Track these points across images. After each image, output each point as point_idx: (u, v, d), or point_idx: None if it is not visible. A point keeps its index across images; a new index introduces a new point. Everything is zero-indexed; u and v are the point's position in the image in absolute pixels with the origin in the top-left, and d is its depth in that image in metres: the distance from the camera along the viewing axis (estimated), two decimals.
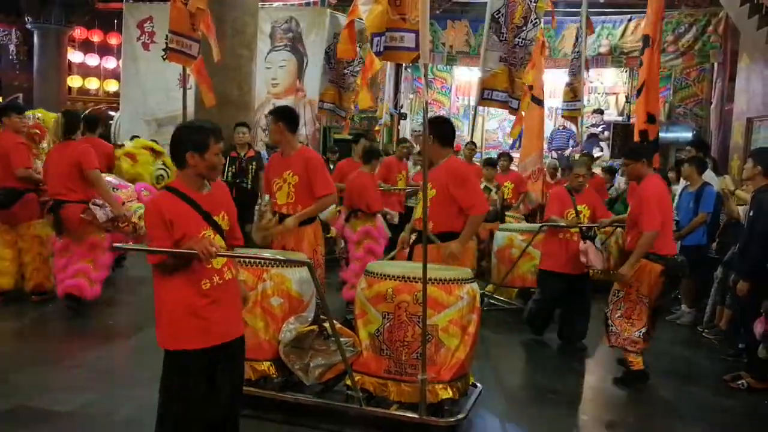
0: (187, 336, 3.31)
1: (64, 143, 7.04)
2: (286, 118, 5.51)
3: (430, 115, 5.08)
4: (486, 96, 7.51)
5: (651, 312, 5.68)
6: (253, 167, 8.99)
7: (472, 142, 11.97)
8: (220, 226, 3.41)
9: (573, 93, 9.53)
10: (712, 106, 13.77)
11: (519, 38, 7.41)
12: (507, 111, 9.68)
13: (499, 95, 7.56)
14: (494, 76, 7.41)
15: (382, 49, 4.27)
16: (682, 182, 8.38)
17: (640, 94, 7.16)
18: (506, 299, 8.58)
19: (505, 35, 7.24)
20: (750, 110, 10.82)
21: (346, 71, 9.38)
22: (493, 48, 7.37)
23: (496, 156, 10.46)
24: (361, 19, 4.20)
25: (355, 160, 9.24)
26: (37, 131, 8.04)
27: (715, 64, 13.83)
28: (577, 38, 10.04)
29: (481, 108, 14.07)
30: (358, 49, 7.48)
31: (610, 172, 11.48)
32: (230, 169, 8.82)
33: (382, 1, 4.12)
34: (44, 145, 8.07)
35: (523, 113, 8.20)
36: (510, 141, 15.41)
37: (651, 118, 6.96)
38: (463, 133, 16.95)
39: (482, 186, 8.58)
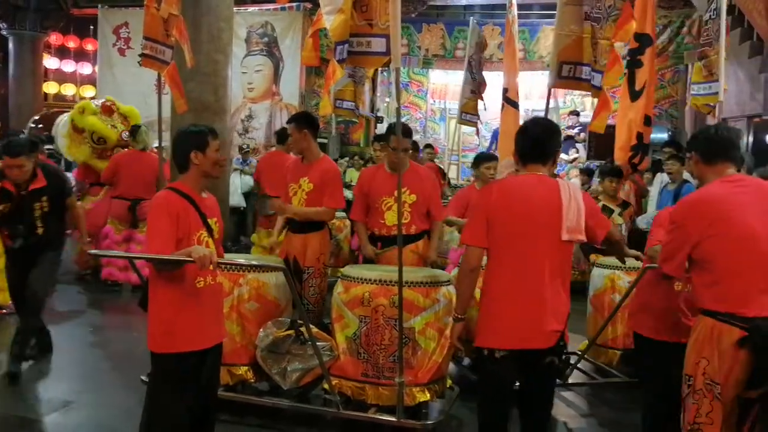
0: (182, 338, 3.35)
1: (141, 153, 8.68)
2: (311, 125, 5.48)
3: (404, 119, 5.10)
4: (566, 74, 5.36)
5: (735, 411, 3.12)
6: (44, 204, 5.52)
7: (429, 145, 12.01)
8: (212, 229, 3.51)
9: (707, 69, 6.41)
10: (687, 107, 13.89)
11: None
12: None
13: (583, 71, 5.39)
14: (577, 42, 5.26)
15: (345, 56, 4.30)
16: (657, 182, 8.47)
17: (640, 95, 6.86)
18: (604, 364, 5.83)
19: None
20: (723, 111, 10.86)
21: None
22: (577, 1, 5.25)
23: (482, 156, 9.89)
24: (326, 29, 4.22)
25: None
26: (109, 103, 9.72)
27: (690, 66, 13.95)
28: None
29: (455, 110, 13.95)
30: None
31: (588, 173, 11.58)
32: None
33: (345, 10, 4.14)
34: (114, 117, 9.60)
35: (609, 94, 5.74)
36: (486, 144, 15.47)
37: (647, 120, 6.80)
38: (439, 137, 17.02)
39: (600, 205, 6.47)
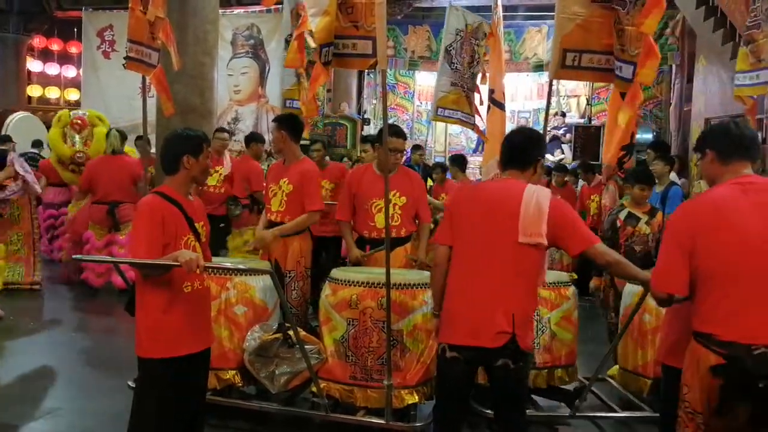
0: (169, 343, 3.32)
1: (114, 156, 8.60)
2: (288, 126, 5.46)
3: (390, 121, 5.05)
4: (570, 63, 4.71)
5: None
6: None
7: (418, 146, 11.98)
8: (199, 233, 3.47)
9: (755, 56, 5.41)
10: (671, 108, 13.98)
11: None
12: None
13: (595, 58, 4.68)
14: (582, 27, 4.61)
15: (330, 58, 4.28)
16: None
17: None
18: (633, 393, 5.20)
19: None
20: (707, 111, 11.00)
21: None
22: None
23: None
24: (311, 31, 4.19)
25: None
26: (79, 121, 9.71)
27: (674, 66, 14.05)
28: None
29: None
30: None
31: (574, 174, 11.61)
32: None
33: (330, 12, 4.12)
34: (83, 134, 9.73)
35: (640, 83, 4.69)
36: (473, 145, 15.53)
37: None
38: (426, 138, 17.05)
39: (625, 213, 6.03)
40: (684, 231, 2.91)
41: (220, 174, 8.24)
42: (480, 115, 7.69)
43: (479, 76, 7.30)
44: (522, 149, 3.54)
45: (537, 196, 3.30)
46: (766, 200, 2.86)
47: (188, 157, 3.41)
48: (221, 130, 8.92)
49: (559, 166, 10.18)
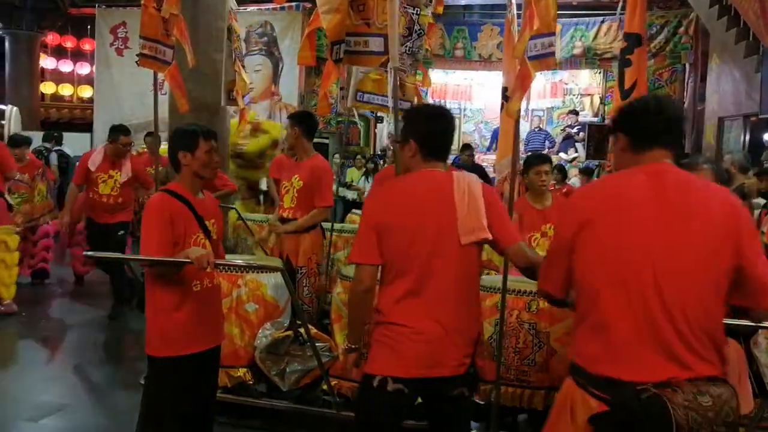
0: (179, 341, 3.31)
1: None
2: (302, 123, 5.51)
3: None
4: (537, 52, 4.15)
5: None
6: None
7: (468, 145, 11.90)
8: (209, 231, 3.44)
9: None
10: (685, 106, 13.89)
11: None
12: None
13: (542, 43, 4.19)
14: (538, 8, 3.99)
15: (342, 56, 4.28)
16: None
17: (631, 93, 6.20)
18: None
19: None
20: (721, 110, 10.96)
21: None
22: None
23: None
24: (322, 29, 4.16)
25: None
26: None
27: (687, 65, 13.97)
28: None
29: (457, 108, 13.73)
30: None
31: (587, 173, 11.56)
32: None
33: (341, 9, 4.12)
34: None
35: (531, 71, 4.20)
36: (487, 143, 15.49)
37: None
38: None
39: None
40: (569, 222, 2.32)
41: (115, 180, 7.29)
42: (420, 96, 6.44)
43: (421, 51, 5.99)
44: (450, 138, 3.00)
45: (468, 184, 2.80)
46: (686, 202, 2.20)
47: (183, 153, 3.37)
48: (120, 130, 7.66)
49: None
